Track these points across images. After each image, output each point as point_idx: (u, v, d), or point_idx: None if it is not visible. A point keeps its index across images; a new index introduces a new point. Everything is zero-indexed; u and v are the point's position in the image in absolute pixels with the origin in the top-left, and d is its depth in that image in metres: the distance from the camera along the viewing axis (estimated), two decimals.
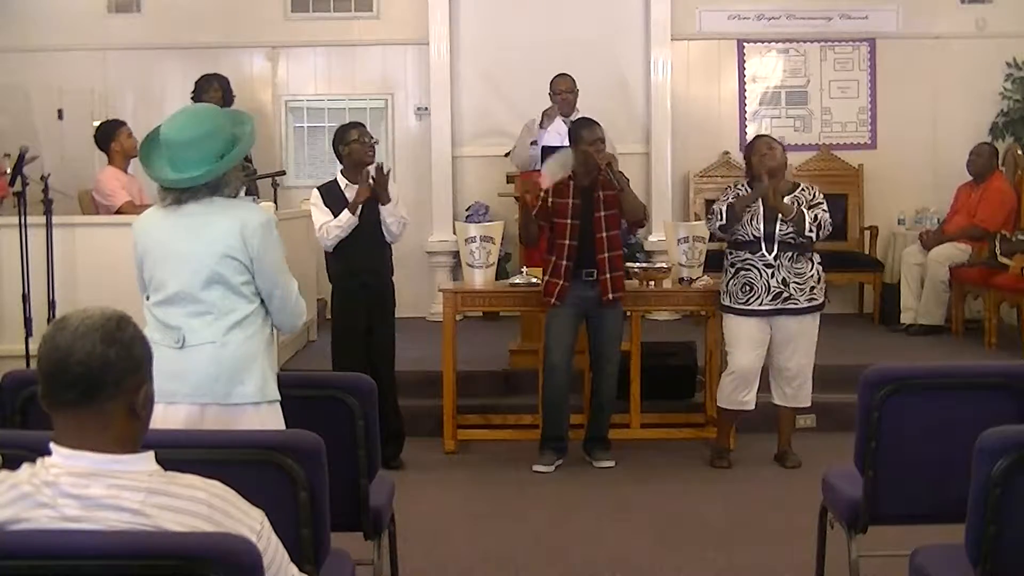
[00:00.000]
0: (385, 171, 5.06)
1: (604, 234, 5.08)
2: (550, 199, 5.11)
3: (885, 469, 3.05)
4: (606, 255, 5.08)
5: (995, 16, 8.12)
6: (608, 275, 5.08)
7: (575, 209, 5.08)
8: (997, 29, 8.10)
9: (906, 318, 7.22)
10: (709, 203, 6.98)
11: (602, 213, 5.08)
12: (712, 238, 5.54)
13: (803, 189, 5.06)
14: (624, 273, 5.22)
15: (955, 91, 8.13)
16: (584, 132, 5.13)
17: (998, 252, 6.75)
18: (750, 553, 4.04)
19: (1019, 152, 7.46)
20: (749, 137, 7.80)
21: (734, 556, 4.02)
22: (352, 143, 5.11)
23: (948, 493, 2.80)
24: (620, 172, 5.23)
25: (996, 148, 7.51)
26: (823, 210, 4.97)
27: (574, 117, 6.79)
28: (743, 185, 5.10)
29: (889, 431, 3.03)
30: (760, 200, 4.93)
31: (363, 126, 5.25)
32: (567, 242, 5.08)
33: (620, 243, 5.21)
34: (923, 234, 7.34)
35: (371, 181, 5.02)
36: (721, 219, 5.00)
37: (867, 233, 7.98)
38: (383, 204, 5.02)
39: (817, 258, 5.08)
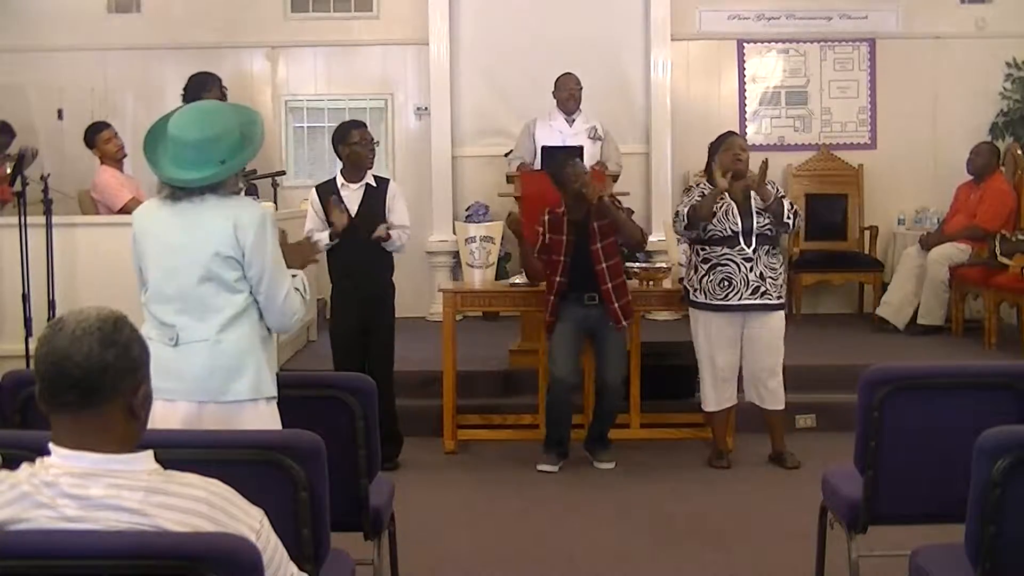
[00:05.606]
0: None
1: (604, 265, 5.07)
2: (547, 235, 5.13)
3: (885, 469, 3.05)
4: (609, 285, 5.07)
5: (995, 16, 8.12)
6: (616, 304, 5.08)
7: (568, 246, 5.07)
8: (997, 29, 8.10)
9: (882, 311, 7.24)
10: None
11: (599, 245, 5.06)
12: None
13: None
14: (630, 299, 5.20)
15: (955, 91, 8.13)
16: (568, 171, 5.11)
17: (998, 252, 6.75)
18: (750, 553, 4.04)
19: (1019, 152, 7.45)
20: (749, 137, 7.83)
21: (734, 556, 4.02)
22: (353, 145, 5.10)
23: (948, 493, 2.80)
24: (614, 198, 5.24)
25: (997, 147, 7.50)
26: (789, 200, 5.12)
27: (576, 116, 6.84)
28: (704, 185, 5.12)
29: (889, 431, 3.03)
30: (727, 195, 4.97)
31: (364, 126, 5.23)
32: (558, 279, 5.10)
33: (622, 270, 5.21)
34: (923, 237, 7.34)
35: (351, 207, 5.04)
36: (684, 220, 5.02)
37: (867, 233, 7.97)
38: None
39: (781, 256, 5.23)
